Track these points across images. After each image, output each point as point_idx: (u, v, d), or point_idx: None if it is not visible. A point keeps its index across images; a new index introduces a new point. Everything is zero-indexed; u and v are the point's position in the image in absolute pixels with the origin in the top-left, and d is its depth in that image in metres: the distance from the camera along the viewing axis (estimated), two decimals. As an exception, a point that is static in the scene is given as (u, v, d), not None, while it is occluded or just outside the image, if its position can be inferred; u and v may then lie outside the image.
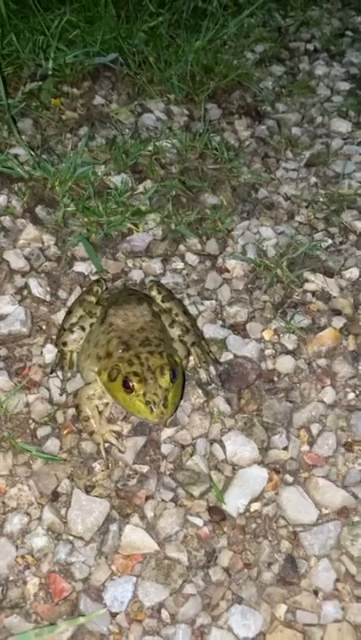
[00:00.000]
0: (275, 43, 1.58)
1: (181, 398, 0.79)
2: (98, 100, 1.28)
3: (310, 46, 1.61)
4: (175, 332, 0.83)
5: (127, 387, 0.71)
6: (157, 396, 0.70)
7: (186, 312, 0.89)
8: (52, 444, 0.77)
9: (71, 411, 0.80)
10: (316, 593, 0.67)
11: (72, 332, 0.83)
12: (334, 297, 0.98)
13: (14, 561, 0.67)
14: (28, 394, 0.81)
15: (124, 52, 1.34)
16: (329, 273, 1.02)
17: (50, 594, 0.66)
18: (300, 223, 1.11)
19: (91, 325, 0.83)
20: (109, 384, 0.74)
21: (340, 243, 1.08)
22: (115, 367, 0.73)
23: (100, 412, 0.77)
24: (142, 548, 0.69)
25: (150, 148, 1.16)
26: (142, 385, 0.70)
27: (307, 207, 1.14)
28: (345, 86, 1.46)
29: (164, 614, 0.65)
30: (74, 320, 0.85)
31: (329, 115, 1.37)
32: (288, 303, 0.97)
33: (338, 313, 0.96)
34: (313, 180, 1.20)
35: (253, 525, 0.72)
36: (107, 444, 0.76)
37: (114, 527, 0.70)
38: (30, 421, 0.79)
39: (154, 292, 0.89)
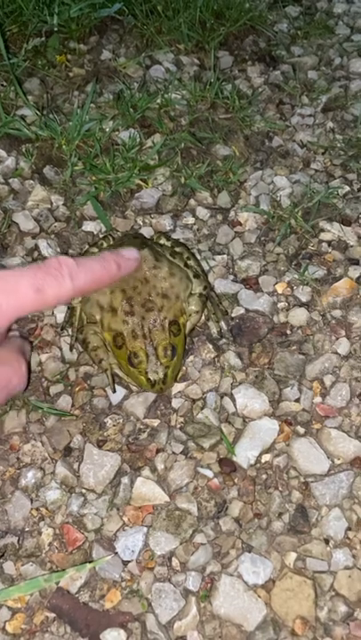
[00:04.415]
0: (291, -19, 1.50)
1: (184, 352, 0.79)
2: (105, 54, 1.25)
3: (329, -17, 1.52)
4: (189, 273, 0.82)
5: (131, 363, 0.73)
6: (158, 374, 0.72)
7: (196, 257, 0.88)
8: (65, 401, 0.78)
9: (83, 368, 0.81)
10: (326, 541, 0.67)
11: None
12: (351, 246, 0.95)
13: (29, 513, 0.69)
14: (40, 353, 0.82)
15: (131, 1, 1.30)
16: (346, 221, 0.98)
17: (64, 543, 0.67)
18: (316, 171, 1.07)
19: None
20: (114, 348, 0.75)
21: (359, 190, 1.03)
22: (120, 335, 0.74)
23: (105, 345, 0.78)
24: (153, 499, 0.70)
25: (159, 101, 1.12)
26: (145, 363, 0.72)
27: (323, 154, 1.10)
28: (366, 23, 1.38)
29: (175, 562, 0.66)
30: None
31: (348, 55, 1.30)
32: (302, 254, 0.94)
33: (355, 262, 0.92)
34: (330, 125, 1.15)
35: (264, 476, 0.72)
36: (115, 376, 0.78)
37: (125, 480, 0.71)
38: (43, 380, 0.80)
39: (162, 241, 0.87)
